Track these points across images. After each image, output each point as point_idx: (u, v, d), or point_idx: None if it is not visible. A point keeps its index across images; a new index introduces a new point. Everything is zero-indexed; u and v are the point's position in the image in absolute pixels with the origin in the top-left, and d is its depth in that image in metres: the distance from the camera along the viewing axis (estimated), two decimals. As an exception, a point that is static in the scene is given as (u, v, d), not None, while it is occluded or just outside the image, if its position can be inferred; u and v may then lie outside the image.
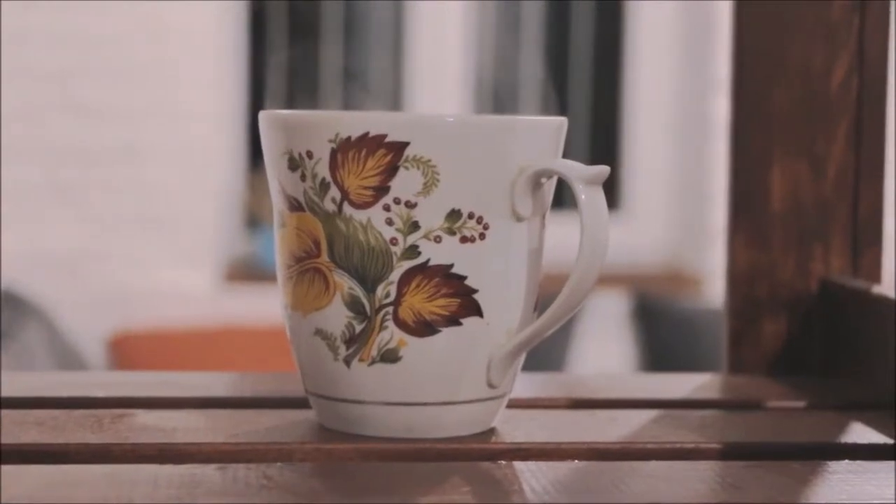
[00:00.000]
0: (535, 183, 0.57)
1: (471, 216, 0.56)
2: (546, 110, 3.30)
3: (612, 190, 2.96)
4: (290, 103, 3.23)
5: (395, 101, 3.24)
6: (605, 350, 3.10)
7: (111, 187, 2.94)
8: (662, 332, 3.06)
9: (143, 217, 2.97)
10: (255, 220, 3.15)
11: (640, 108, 3.28)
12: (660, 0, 3.24)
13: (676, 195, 3.27)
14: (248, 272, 3.09)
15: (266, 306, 2.88)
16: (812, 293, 0.76)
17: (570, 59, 3.33)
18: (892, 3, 0.75)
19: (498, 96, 3.35)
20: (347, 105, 3.27)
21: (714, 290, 3.07)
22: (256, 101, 3.20)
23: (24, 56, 2.88)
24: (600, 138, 3.35)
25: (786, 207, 0.75)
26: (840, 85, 0.75)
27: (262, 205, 3.08)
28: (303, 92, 3.27)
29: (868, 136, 0.75)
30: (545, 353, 2.83)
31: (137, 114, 2.95)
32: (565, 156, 0.60)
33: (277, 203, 0.59)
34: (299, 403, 0.62)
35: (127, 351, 2.89)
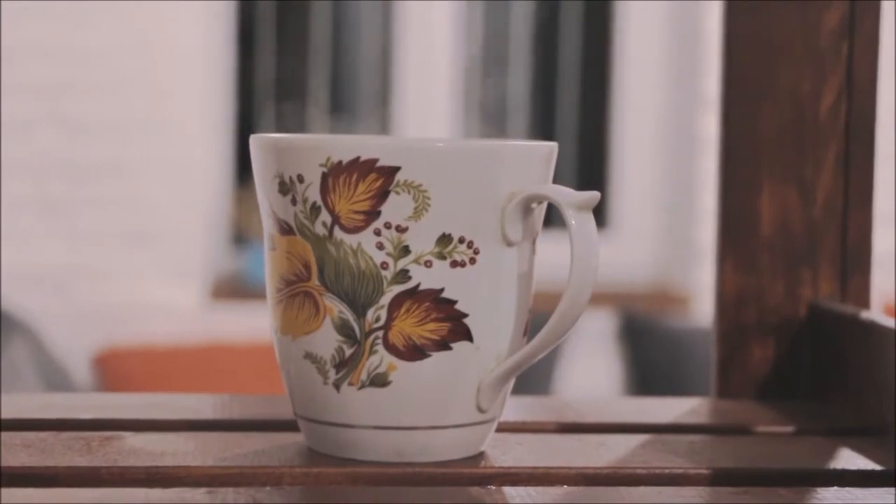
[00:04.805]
0: (526, 208, 0.57)
1: (461, 241, 0.56)
2: (534, 129, 3.31)
3: (599, 208, 2.98)
4: (278, 120, 3.23)
5: (383, 113, 3.24)
6: (591, 368, 3.10)
7: (98, 203, 2.94)
8: (649, 351, 3.06)
9: (130, 233, 2.97)
10: (241, 236, 3.14)
11: (628, 125, 3.28)
12: (648, 19, 3.25)
13: (664, 213, 3.28)
14: (234, 289, 3.08)
15: (252, 323, 2.87)
16: (800, 318, 0.76)
17: (558, 78, 3.33)
18: (881, 29, 0.76)
19: (486, 115, 3.35)
20: (335, 123, 3.27)
21: (701, 308, 3.08)
22: (244, 117, 3.19)
23: (11, 71, 2.87)
24: (588, 156, 3.35)
25: (774, 232, 0.75)
26: (829, 110, 0.75)
27: (249, 221, 3.08)
28: (291, 108, 3.27)
29: (857, 161, 0.75)
30: (532, 371, 2.82)
31: (125, 129, 2.95)
32: (554, 174, 0.60)
33: (268, 226, 0.59)
34: (288, 427, 0.62)
35: (113, 367, 2.88)
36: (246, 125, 3.18)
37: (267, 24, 3.24)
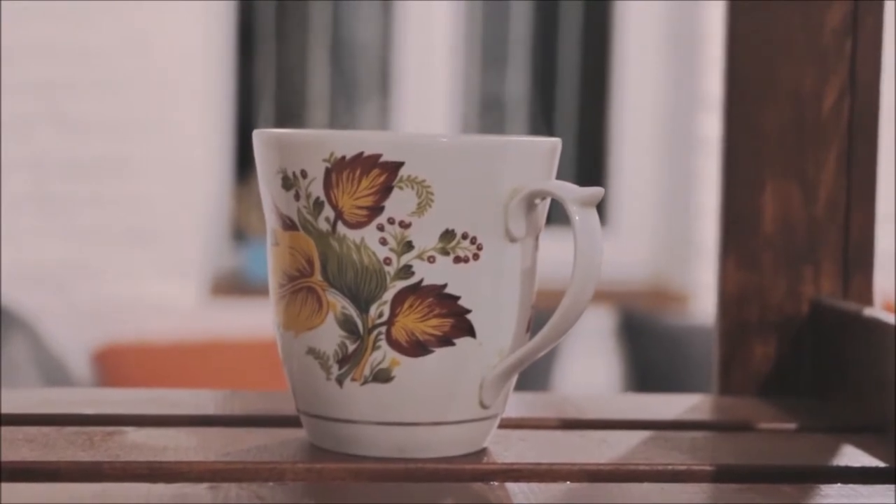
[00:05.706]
0: (529, 204, 0.57)
1: (464, 236, 0.56)
2: (534, 127, 3.31)
3: (599, 205, 2.96)
4: (278, 117, 3.23)
5: (383, 113, 3.24)
6: (590, 365, 3.10)
7: (98, 200, 2.94)
8: (648, 349, 3.06)
9: (130, 230, 2.97)
10: (241, 233, 3.15)
11: (628, 124, 3.28)
12: (648, 19, 3.25)
13: (663, 211, 3.28)
14: (234, 286, 3.08)
15: (252, 320, 2.87)
16: (802, 315, 0.76)
17: (557, 76, 3.33)
18: (884, 27, 0.76)
19: (485, 115, 3.35)
20: (335, 119, 3.27)
21: (700, 306, 3.08)
22: (244, 114, 3.19)
23: (11, 70, 2.87)
24: (588, 154, 3.35)
25: (777, 230, 0.75)
26: (831, 109, 0.75)
27: (248, 218, 3.08)
28: (290, 105, 3.27)
29: (859, 159, 0.75)
30: (531, 368, 2.82)
31: (125, 127, 2.95)
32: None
33: (271, 221, 0.59)
34: (291, 422, 0.62)
35: (112, 364, 2.88)
36: (246, 124, 3.18)
37: (267, 24, 3.24)
